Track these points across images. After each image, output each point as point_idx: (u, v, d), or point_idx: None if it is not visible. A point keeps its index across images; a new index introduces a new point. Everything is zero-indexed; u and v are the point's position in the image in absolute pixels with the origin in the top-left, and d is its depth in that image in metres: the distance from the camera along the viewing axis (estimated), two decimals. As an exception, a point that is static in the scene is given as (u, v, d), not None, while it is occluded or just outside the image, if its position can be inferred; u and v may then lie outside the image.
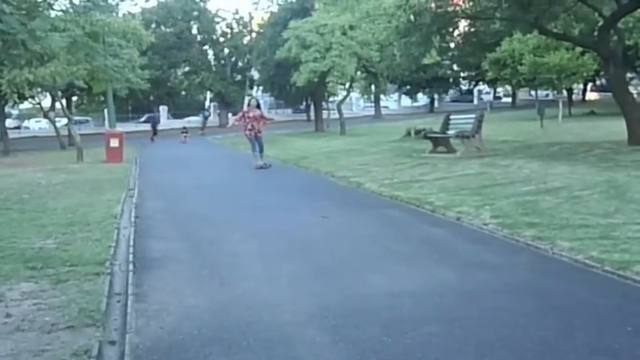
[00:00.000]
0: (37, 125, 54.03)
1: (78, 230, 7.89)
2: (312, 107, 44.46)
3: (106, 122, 28.09)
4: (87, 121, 51.27)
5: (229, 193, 11.91)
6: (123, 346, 4.07)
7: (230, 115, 42.16)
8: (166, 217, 9.40)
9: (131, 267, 6.02)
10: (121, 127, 25.87)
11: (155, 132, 35.89)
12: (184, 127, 35.24)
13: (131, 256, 6.45)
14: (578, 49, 28.96)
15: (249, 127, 15.88)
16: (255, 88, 55.83)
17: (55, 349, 3.99)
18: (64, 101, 33.19)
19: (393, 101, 71.91)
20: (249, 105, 16.63)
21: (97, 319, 4.47)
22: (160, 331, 4.28)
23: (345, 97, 36.86)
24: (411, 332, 4.09)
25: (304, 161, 17.49)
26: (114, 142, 20.30)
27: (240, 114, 16.74)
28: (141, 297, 5.06)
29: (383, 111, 59.39)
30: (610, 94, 20.57)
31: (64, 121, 32.40)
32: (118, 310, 4.85)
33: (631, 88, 22.46)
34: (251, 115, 15.96)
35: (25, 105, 39.39)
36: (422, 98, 68.55)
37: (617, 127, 17.45)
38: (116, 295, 5.20)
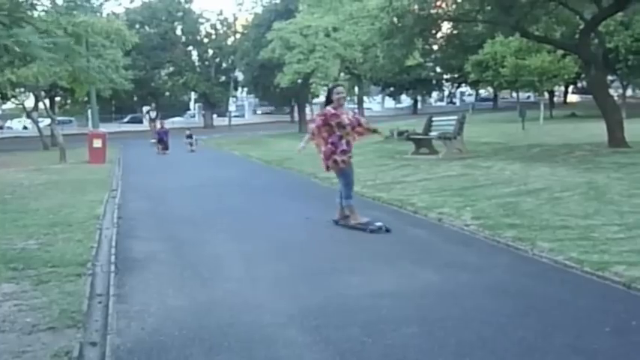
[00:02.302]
0: (20, 125, 53.68)
1: (60, 231, 7.86)
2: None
3: (90, 123, 27.95)
4: (70, 121, 50.97)
5: (212, 194, 11.90)
6: (104, 348, 4.06)
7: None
8: (149, 218, 9.38)
9: (113, 268, 6.00)
10: (104, 128, 25.73)
11: (166, 146, 25.75)
12: (189, 133, 27.05)
13: (113, 257, 6.44)
14: (560, 52, 29.37)
15: (343, 146, 7.71)
16: (239, 89, 55.84)
17: (35, 350, 3.97)
18: (47, 101, 33.00)
19: (376, 103, 72.17)
20: (328, 100, 7.95)
21: (78, 320, 4.46)
22: (141, 332, 4.28)
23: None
24: (392, 333, 4.11)
25: (287, 162, 17.49)
26: (97, 143, 20.20)
27: (320, 120, 7.77)
28: (122, 298, 5.05)
29: (366, 112, 59.62)
30: (591, 96, 20.79)
31: (48, 121, 32.20)
32: (100, 311, 4.84)
33: (611, 91, 22.74)
34: (345, 119, 7.73)
35: (8, 105, 39.03)
36: (405, 100, 68.90)
37: (597, 129, 17.64)
38: (98, 296, 5.19)
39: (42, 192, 12.25)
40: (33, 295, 5.12)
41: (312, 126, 7.88)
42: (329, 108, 7.73)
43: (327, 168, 7.97)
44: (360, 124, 7.99)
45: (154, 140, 28.73)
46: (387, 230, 7.30)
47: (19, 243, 7.19)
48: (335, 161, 7.73)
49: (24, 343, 4.08)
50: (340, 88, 8.03)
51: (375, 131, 8.47)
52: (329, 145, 7.70)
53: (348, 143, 7.76)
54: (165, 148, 25.42)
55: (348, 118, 7.79)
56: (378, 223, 7.39)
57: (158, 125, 26.18)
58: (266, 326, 4.33)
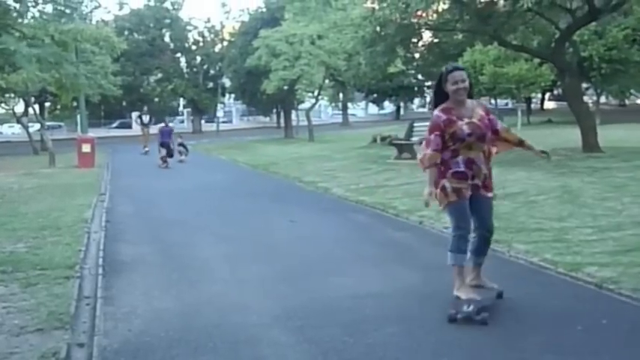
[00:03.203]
0: (10, 130, 53.51)
1: (49, 234, 7.92)
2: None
3: (79, 128, 27.86)
4: (60, 126, 50.85)
5: (199, 197, 11.98)
6: (91, 349, 4.13)
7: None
8: (137, 222, 9.46)
9: (101, 270, 6.08)
10: (93, 133, 25.66)
11: (170, 152, 19.79)
12: (181, 140, 21.06)
13: (101, 260, 6.51)
14: (537, 61, 29.76)
15: (458, 166, 4.71)
16: (226, 95, 55.83)
17: (23, 351, 4.03)
18: (36, 107, 32.92)
19: (360, 109, 72.51)
20: (438, 94, 4.87)
21: (66, 322, 4.52)
22: (128, 334, 4.35)
23: (313, 105, 37.12)
24: (373, 332, 4.20)
25: (273, 167, 17.62)
26: (86, 148, 20.17)
27: (438, 139, 4.68)
28: (110, 300, 5.12)
29: (350, 118, 59.94)
30: (566, 103, 21.13)
31: (37, 126, 32.12)
32: (87, 313, 4.91)
33: (586, 98, 23.07)
34: (464, 127, 4.68)
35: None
36: (388, 106, 69.28)
37: (572, 135, 17.85)
38: (85, 299, 5.25)
39: (31, 196, 12.28)
40: (21, 297, 5.17)
41: (428, 152, 4.70)
42: (438, 113, 4.73)
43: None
44: (495, 132, 4.91)
45: (147, 149, 25.10)
46: (483, 322, 4.33)
47: (8, 246, 7.25)
48: (443, 189, 4.70)
49: (12, 345, 4.13)
50: (460, 74, 4.71)
51: (521, 144, 5.08)
52: (439, 165, 4.76)
53: (468, 163, 4.69)
54: (170, 154, 19.55)
55: (470, 124, 4.67)
56: (467, 308, 4.41)
57: (163, 125, 20.86)
58: (251, 327, 4.41)
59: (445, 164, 4.72)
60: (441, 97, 4.83)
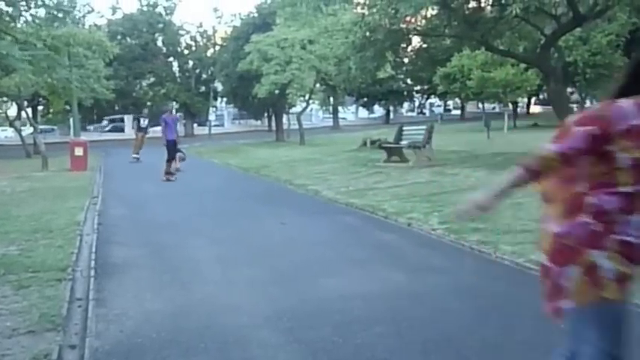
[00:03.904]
0: (3, 134, 53.48)
1: (41, 237, 7.91)
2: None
3: (71, 131, 27.83)
4: (52, 130, 50.93)
5: (191, 200, 11.99)
6: (83, 350, 4.16)
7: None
8: (129, 224, 9.48)
9: (93, 273, 6.10)
10: (85, 136, 25.66)
11: (172, 154, 16.01)
12: (179, 149, 16.51)
13: (93, 262, 6.53)
14: (523, 65, 30.04)
15: (631, 233, 2.30)
16: (219, 99, 55.93)
17: (15, 353, 4.05)
18: (29, 110, 32.89)
19: (350, 113, 72.86)
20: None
21: (58, 324, 4.55)
22: (120, 335, 4.38)
23: (304, 109, 37.24)
24: (362, 333, 4.26)
25: (265, 170, 17.65)
26: (78, 151, 20.14)
27: (581, 138, 2.34)
28: (101, 302, 5.15)
29: (340, 122, 60.18)
30: (552, 107, 21.39)
31: (30, 129, 32.12)
32: (79, 314, 4.93)
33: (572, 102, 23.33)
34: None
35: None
36: (378, 110, 69.68)
37: (557, 139, 18.03)
38: (77, 301, 5.27)
39: (24, 199, 12.25)
40: (13, 299, 5.19)
41: (548, 148, 2.51)
42: (626, 106, 2.35)
43: (554, 312, 2.62)
44: None
45: (136, 155, 22.99)
46: None
47: (1, 249, 7.24)
48: (592, 271, 2.37)
49: (4, 347, 4.16)
50: None
51: None
52: (584, 219, 2.40)
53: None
54: (172, 157, 15.88)
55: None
56: None
57: (167, 113, 17.42)
58: (242, 328, 4.46)
59: (606, 219, 2.38)
60: (632, 87, 2.45)
